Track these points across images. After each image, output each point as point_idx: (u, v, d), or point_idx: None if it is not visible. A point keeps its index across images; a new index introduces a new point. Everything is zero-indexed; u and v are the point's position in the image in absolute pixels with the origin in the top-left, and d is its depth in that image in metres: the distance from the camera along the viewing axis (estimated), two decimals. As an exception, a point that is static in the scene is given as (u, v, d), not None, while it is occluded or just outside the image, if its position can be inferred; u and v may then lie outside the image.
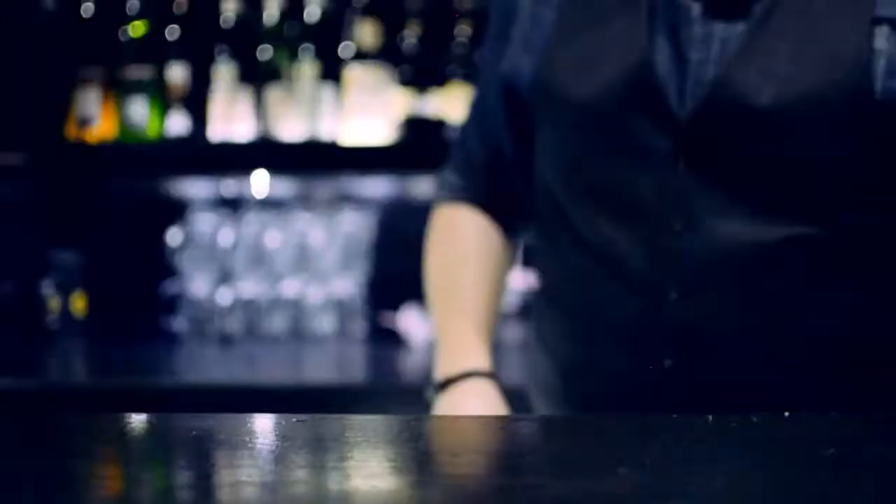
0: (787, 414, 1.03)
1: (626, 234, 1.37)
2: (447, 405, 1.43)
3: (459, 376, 1.45)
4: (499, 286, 1.58)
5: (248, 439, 0.99)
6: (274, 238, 2.86)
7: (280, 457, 0.92)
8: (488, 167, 1.58)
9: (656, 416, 1.05)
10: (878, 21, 1.31)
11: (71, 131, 2.78)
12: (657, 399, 1.34)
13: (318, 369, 2.65)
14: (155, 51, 2.79)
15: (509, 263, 1.61)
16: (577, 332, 1.44)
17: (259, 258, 2.84)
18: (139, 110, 2.75)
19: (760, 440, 0.98)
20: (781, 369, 1.32)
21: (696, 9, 1.36)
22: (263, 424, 1.05)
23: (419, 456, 0.89)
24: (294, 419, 1.03)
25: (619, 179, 1.38)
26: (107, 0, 2.83)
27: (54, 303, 2.88)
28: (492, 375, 1.46)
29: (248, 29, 2.80)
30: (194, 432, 1.01)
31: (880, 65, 1.31)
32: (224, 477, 0.85)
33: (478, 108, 1.59)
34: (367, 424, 1.05)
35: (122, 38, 2.79)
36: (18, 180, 2.93)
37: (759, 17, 1.34)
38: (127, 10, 2.81)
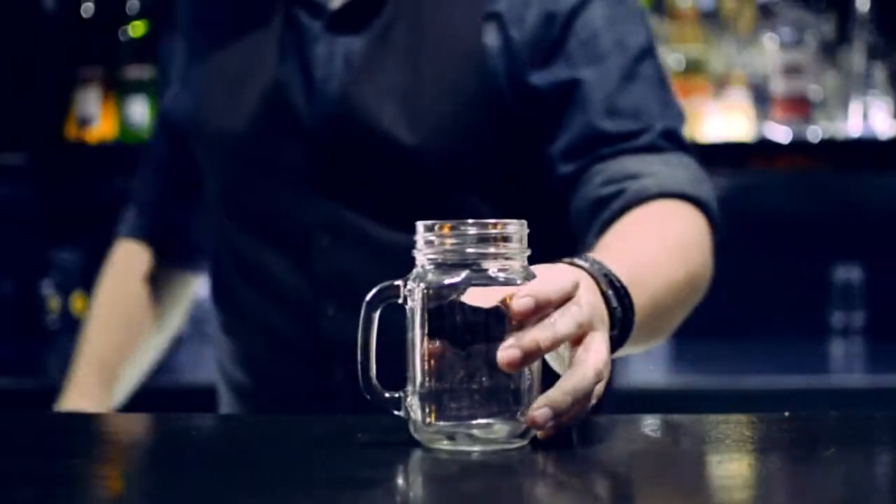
0: (787, 414, 1.03)
1: (281, 257, 1.40)
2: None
3: None
4: (134, 328, 1.62)
5: (247, 439, 0.99)
6: (274, 238, 2.86)
7: (280, 457, 0.91)
8: (161, 205, 1.61)
9: (656, 417, 1.05)
10: (487, 17, 1.35)
11: (71, 131, 2.77)
12: (339, 411, 1.24)
13: (318, 369, 2.64)
14: (155, 51, 2.78)
15: (167, 300, 1.64)
16: (248, 356, 1.45)
17: (259, 258, 2.84)
18: (139, 110, 2.75)
19: (760, 440, 0.98)
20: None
21: (316, 27, 1.38)
22: (263, 424, 1.05)
23: (418, 455, 0.89)
24: (294, 419, 1.03)
25: (269, 203, 1.41)
26: (107, 0, 2.83)
27: (54, 303, 2.88)
28: None
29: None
30: (194, 432, 1.01)
31: (497, 61, 1.34)
32: (224, 477, 0.85)
33: (152, 148, 1.63)
34: (366, 424, 1.05)
35: (122, 38, 2.79)
36: (18, 180, 2.93)
37: (378, 32, 1.36)
38: (127, 10, 2.81)
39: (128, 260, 1.62)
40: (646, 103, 1.35)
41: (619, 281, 1.00)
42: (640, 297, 1.04)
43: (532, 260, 0.92)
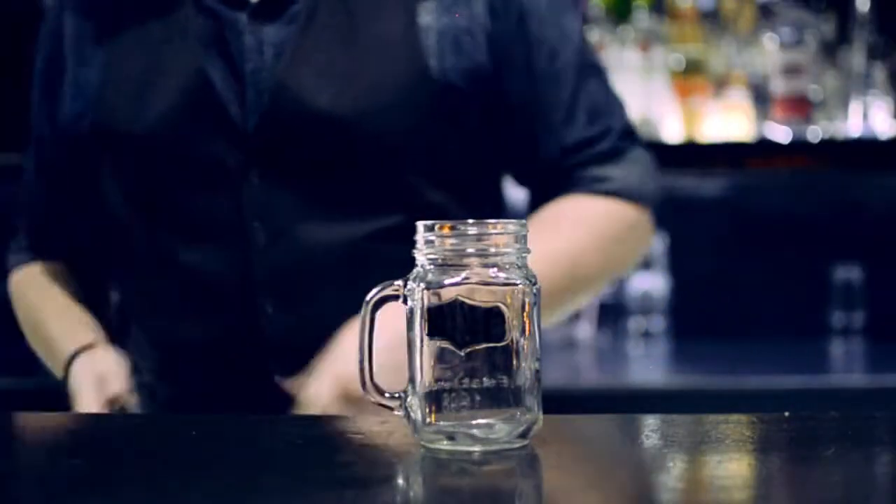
0: (786, 414, 1.03)
1: (214, 256, 1.35)
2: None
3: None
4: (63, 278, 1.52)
5: (247, 439, 0.99)
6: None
7: (280, 457, 0.91)
8: (53, 225, 1.53)
9: (656, 417, 1.05)
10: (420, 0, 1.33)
11: (71, 131, 2.77)
12: (273, 412, 1.28)
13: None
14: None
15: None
16: (170, 363, 1.40)
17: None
18: (139, 110, 2.74)
19: (760, 440, 0.98)
20: None
21: (242, 19, 1.34)
22: (262, 424, 1.05)
23: (418, 455, 0.89)
24: (294, 419, 1.03)
25: (197, 203, 1.35)
26: (107, 0, 2.83)
27: (54, 303, 2.87)
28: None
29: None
30: (194, 432, 1.01)
31: (430, 42, 1.33)
32: (223, 477, 0.85)
33: (35, 171, 1.56)
34: (366, 424, 1.05)
35: (122, 38, 2.79)
36: (18, 180, 2.92)
37: (306, 16, 1.33)
38: (127, 10, 2.80)
39: (32, 276, 1.54)
40: (599, 102, 1.40)
41: None
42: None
43: None
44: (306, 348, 1.27)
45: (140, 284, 1.43)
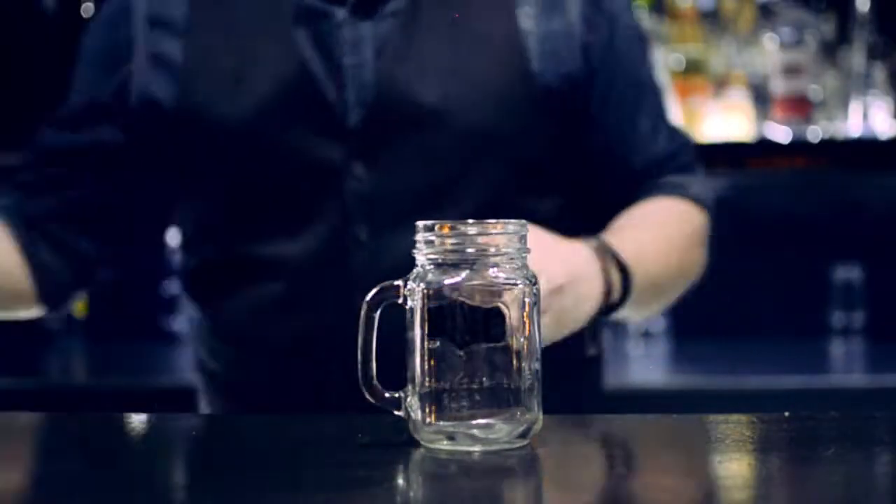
0: (786, 414, 1.03)
1: (308, 251, 1.33)
2: None
3: None
4: None
5: (247, 439, 0.99)
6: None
7: (280, 457, 0.91)
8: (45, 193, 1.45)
9: (656, 417, 1.05)
10: (517, 4, 1.35)
11: (71, 131, 2.77)
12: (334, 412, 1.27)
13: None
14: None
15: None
16: (243, 355, 1.40)
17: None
18: (139, 110, 2.74)
19: (760, 440, 0.98)
20: None
21: (339, 13, 1.34)
22: (263, 424, 1.05)
23: (418, 455, 0.89)
24: (294, 419, 1.03)
25: (290, 194, 1.34)
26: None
27: (54, 303, 2.87)
28: None
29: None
30: (194, 432, 1.01)
31: (532, 45, 1.34)
32: (224, 477, 0.85)
33: (56, 132, 1.49)
34: (366, 424, 1.05)
35: (122, 38, 2.79)
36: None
37: (406, 13, 1.34)
38: (127, 10, 2.80)
39: None
40: (672, 118, 1.48)
41: (624, 260, 1.24)
42: (640, 276, 1.26)
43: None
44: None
45: (216, 275, 1.41)
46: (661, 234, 1.38)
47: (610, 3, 1.41)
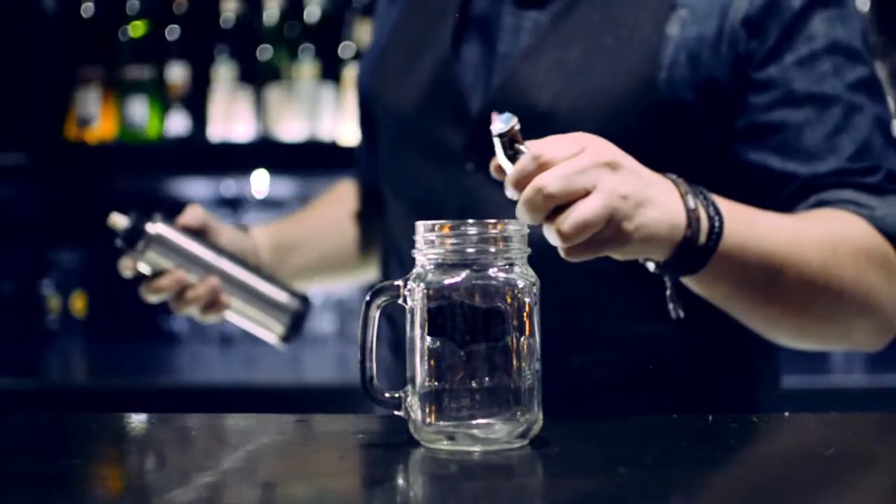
0: (786, 414, 1.03)
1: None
2: None
3: None
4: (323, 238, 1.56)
5: (247, 439, 0.99)
6: (274, 238, 2.86)
7: (280, 457, 0.92)
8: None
9: (656, 417, 1.05)
10: (676, 6, 1.27)
11: (71, 131, 2.77)
12: None
13: (318, 369, 2.65)
14: (155, 51, 2.79)
15: (366, 241, 1.56)
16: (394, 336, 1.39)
17: (259, 258, 2.84)
18: (139, 110, 2.75)
19: (760, 440, 0.98)
20: (581, 368, 1.27)
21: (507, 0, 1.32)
22: (263, 424, 1.05)
23: (418, 455, 0.89)
24: (294, 419, 1.03)
25: (420, 180, 1.34)
26: (107, 0, 2.83)
27: (54, 303, 2.88)
28: None
29: (248, 29, 2.80)
30: (194, 432, 1.01)
31: (668, 53, 1.26)
32: (224, 477, 0.85)
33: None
34: (366, 424, 1.05)
35: (122, 38, 2.79)
36: (18, 180, 2.93)
37: (561, 8, 1.30)
38: (127, 10, 2.81)
39: (347, 193, 1.59)
40: (869, 140, 1.25)
41: (711, 198, 1.06)
42: (744, 230, 1.09)
43: None
44: None
45: (382, 258, 1.46)
46: (802, 225, 1.17)
47: (791, 11, 1.26)
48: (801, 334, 1.23)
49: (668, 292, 1.09)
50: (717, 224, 1.06)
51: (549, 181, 0.94)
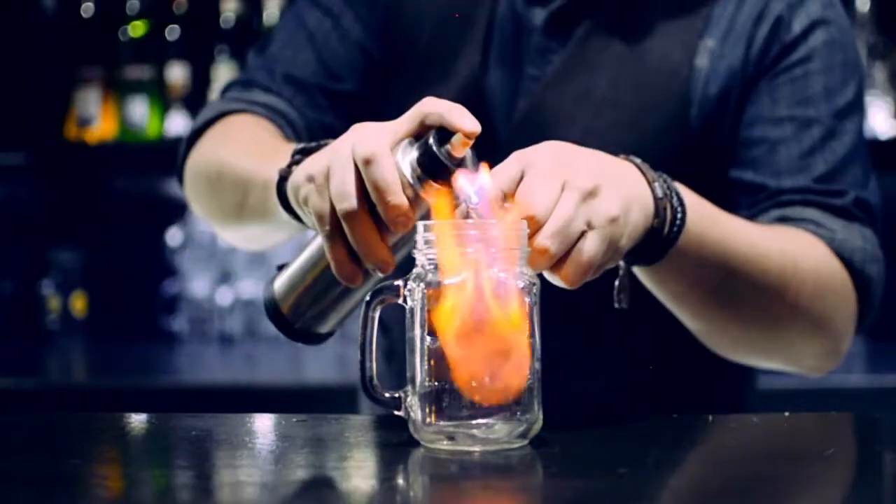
0: (786, 414, 1.03)
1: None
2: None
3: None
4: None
5: (248, 439, 0.99)
6: (274, 238, 2.86)
7: (280, 457, 0.92)
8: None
9: (656, 416, 1.05)
10: (703, 35, 1.26)
11: (71, 131, 2.78)
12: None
13: (318, 369, 2.65)
14: (155, 51, 2.79)
15: None
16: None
17: (259, 258, 2.84)
18: (139, 110, 2.75)
19: (760, 440, 0.98)
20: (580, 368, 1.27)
21: (538, 17, 1.28)
22: (263, 424, 1.05)
23: (418, 455, 0.89)
24: (294, 419, 1.03)
25: None
26: (107, 0, 2.83)
27: (54, 303, 2.88)
28: None
29: (248, 29, 2.80)
30: (194, 432, 1.01)
31: (698, 87, 1.25)
32: (224, 477, 0.85)
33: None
34: (366, 424, 1.05)
35: (122, 38, 2.79)
36: (18, 180, 2.93)
37: (589, 30, 1.27)
38: (127, 10, 2.81)
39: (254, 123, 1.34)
40: (843, 165, 1.25)
41: (675, 187, 1.03)
42: (706, 225, 1.05)
43: None
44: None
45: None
46: (766, 234, 1.16)
47: (792, 33, 1.26)
48: (747, 346, 1.20)
49: (616, 281, 1.05)
50: (679, 215, 1.02)
51: (547, 243, 0.91)
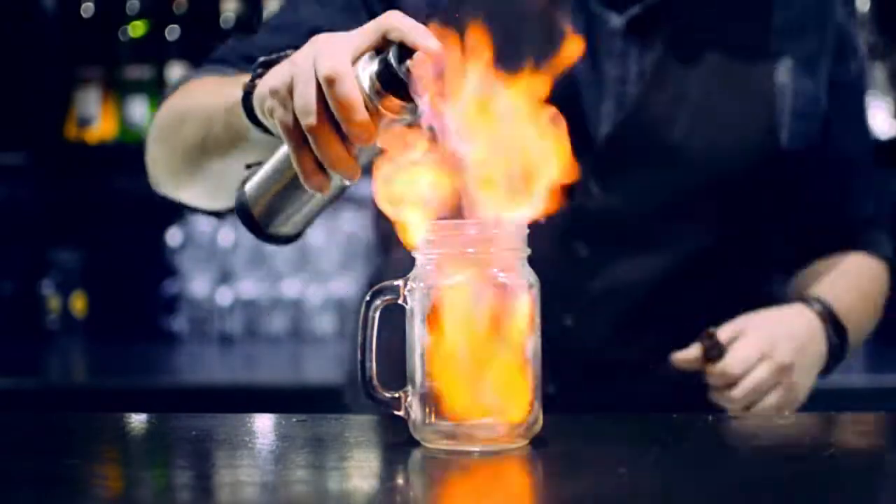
0: (786, 413, 1.03)
1: (537, 256, 1.30)
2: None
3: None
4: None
5: (248, 439, 0.99)
6: (274, 238, 2.85)
7: (280, 457, 0.92)
8: None
9: (657, 416, 1.05)
10: (781, 54, 1.32)
11: (71, 131, 2.77)
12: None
13: (318, 369, 2.65)
14: (155, 51, 2.79)
15: None
16: None
17: (259, 258, 2.84)
18: (139, 110, 2.75)
19: (760, 439, 0.98)
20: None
21: (614, 20, 1.30)
22: (263, 424, 1.05)
23: (418, 455, 0.89)
24: (294, 419, 1.03)
25: None
26: (107, 0, 2.83)
27: (54, 303, 2.88)
28: None
29: (248, 29, 2.80)
30: (194, 432, 1.01)
31: (785, 103, 1.31)
32: (224, 477, 0.85)
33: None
34: (366, 424, 1.05)
35: (122, 38, 2.79)
36: (18, 180, 2.92)
37: (670, 41, 1.30)
38: (127, 10, 2.80)
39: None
40: (877, 183, 1.49)
41: (842, 323, 1.32)
42: (851, 329, 1.34)
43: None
44: (587, 365, 1.29)
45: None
46: (864, 294, 1.41)
47: (849, 73, 1.39)
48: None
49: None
50: (844, 352, 1.35)
51: (739, 397, 1.22)
